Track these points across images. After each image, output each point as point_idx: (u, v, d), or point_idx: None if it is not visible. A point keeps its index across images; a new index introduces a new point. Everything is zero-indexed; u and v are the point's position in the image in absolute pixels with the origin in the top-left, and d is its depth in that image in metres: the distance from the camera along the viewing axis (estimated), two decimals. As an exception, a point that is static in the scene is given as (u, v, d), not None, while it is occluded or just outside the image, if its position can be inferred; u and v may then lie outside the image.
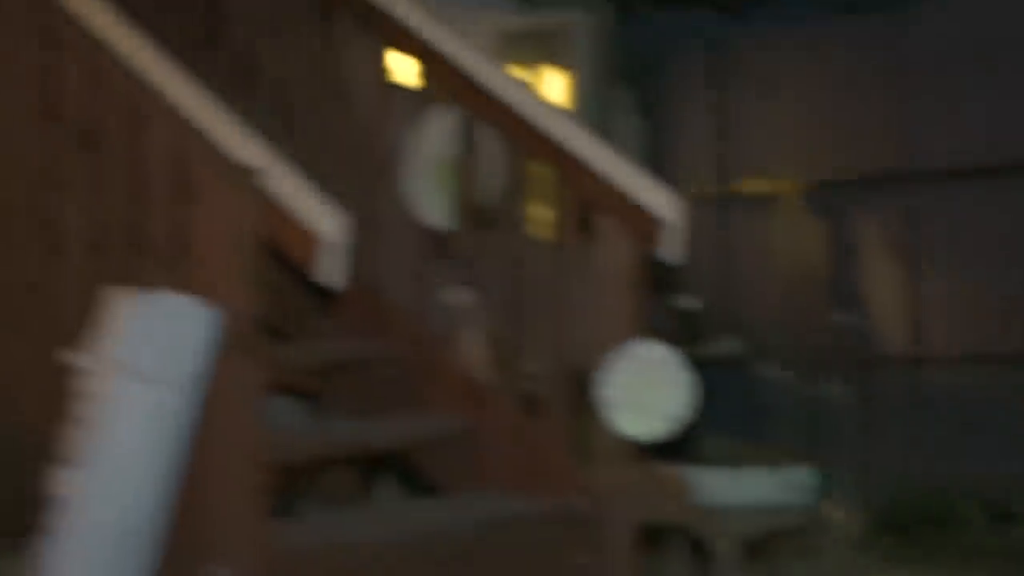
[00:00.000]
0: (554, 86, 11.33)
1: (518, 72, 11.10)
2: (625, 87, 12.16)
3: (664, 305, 11.18)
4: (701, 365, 10.64)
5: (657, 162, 11.77)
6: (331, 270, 4.79)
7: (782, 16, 11.90)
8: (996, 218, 9.87)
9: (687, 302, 11.22)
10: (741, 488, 5.89)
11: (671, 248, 5.50)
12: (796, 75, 11.65)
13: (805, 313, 10.35)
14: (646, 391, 5.40)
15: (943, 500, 9.38)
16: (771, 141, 11.70)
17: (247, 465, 4.74)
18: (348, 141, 6.27)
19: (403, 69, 6.22)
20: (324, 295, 5.75)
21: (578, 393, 5.64)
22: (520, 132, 5.74)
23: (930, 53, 9.80)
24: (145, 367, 4.42)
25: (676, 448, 6.67)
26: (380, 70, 6.26)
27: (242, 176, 4.72)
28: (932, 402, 10.07)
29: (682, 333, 10.75)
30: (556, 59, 11.40)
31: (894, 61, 10.79)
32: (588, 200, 5.61)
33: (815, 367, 8.82)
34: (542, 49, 11.34)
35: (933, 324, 10.22)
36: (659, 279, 10.83)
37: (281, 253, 4.92)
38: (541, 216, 5.90)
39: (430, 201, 5.95)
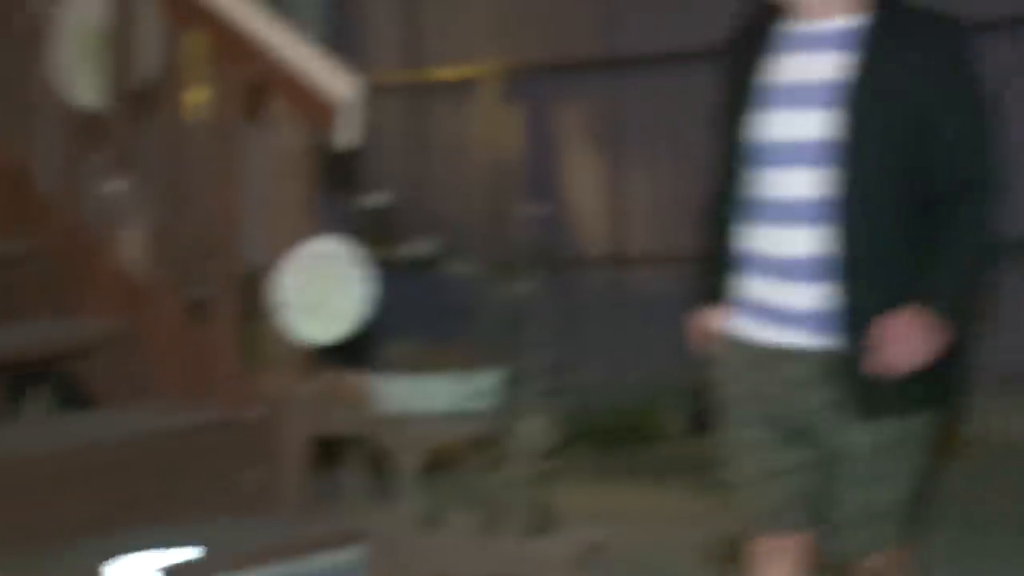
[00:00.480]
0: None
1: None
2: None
3: (352, 202, 11.23)
4: (392, 266, 10.64)
5: (339, 43, 11.77)
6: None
7: None
8: (691, 109, 10.04)
9: (377, 199, 11.30)
10: (426, 395, 5.94)
11: (349, 134, 5.42)
12: None
13: (503, 209, 10.44)
14: (322, 292, 5.39)
15: (642, 408, 9.58)
16: (466, 23, 11.74)
17: None
18: None
19: None
20: None
21: (249, 294, 5.57)
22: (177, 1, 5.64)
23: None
24: None
25: (357, 353, 6.64)
26: None
27: None
28: (633, 303, 10.25)
29: (372, 232, 10.78)
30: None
31: None
32: (257, 80, 5.52)
33: (512, 267, 8.93)
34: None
35: (633, 220, 10.37)
36: (346, 175, 10.80)
37: None
38: (208, 98, 5.77)
39: (81, 79, 5.78)
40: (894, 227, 4.04)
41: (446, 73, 11.77)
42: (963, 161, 4.06)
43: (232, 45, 5.54)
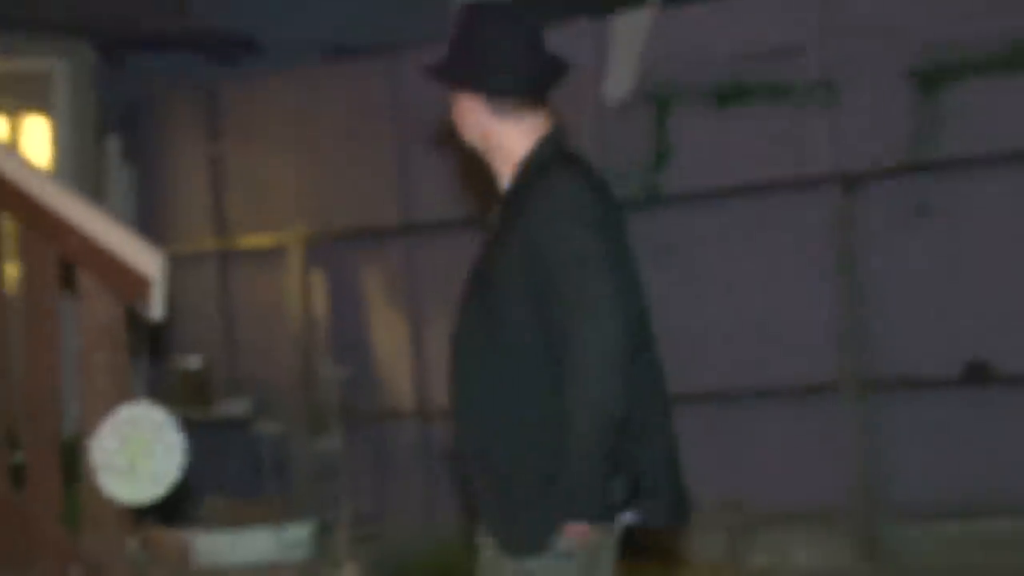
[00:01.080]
0: (37, 134, 11.23)
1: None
2: (114, 135, 12.11)
3: (166, 366, 11.22)
4: (206, 425, 10.66)
5: (149, 215, 11.79)
6: None
7: (273, 59, 12.06)
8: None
9: (190, 362, 11.24)
10: (240, 548, 5.96)
11: (155, 305, 5.50)
12: (293, 121, 11.73)
13: (310, 368, 10.46)
14: (135, 455, 5.40)
15: (452, 553, 9.59)
16: (271, 192, 11.79)
17: None
18: None
19: None
20: None
21: (69, 459, 5.61)
22: None
23: (427, 101, 10.10)
24: None
25: (175, 511, 6.72)
26: None
27: None
28: (439, 453, 10.28)
29: (185, 394, 10.80)
30: (38, 106, 11.34)
31: (390, 107, 11.01)
32: (69, 257, 5.59)
33: (320, 423, 8.96)
34: (21, 93, 11.27)
35: (436, 375, 10.48)
36: (159, 339, 10.80)
37: None
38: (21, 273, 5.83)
39: None
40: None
41: (254, 240, 11.74)
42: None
43: (47, 225, 5.59)
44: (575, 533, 4.00)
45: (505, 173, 4.32)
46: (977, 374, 9.12)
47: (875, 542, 9.22)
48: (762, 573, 9.35)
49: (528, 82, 4.32)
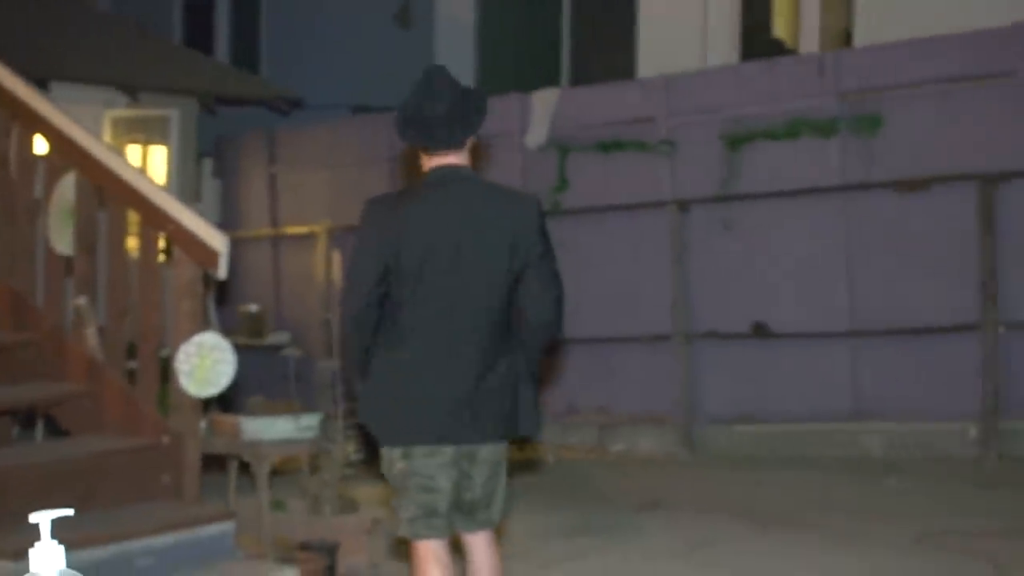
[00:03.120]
0: (158, 159, 11.27)
1: (133, 148, 11.05)
2: (207, 159, 12.19)
3: (235, 310, 11.26)
4: (258, 350, 10.73)
5: (229, 211, 11.84)
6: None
7: (315, 114, 12.11)
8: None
9: (251, 308, 11.26)
10: (271, 429, 5.89)
11: (221, 269, 5.53)
12: (323, 154, 11.67)
13: (326, 315, 10.32)
14: (204, 365, 5.46)
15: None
16: (307, 198, 11.72)
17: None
18: (2, 193, 6.15)
19: (42, 146, 6.11)
20: None
21: (164, 367, 5.68)
22: (119, 188, 5.74)
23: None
24: None
25: (230, 403, 6.84)
26: (26, 145, 6.13)
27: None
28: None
29: (247, 328, 10.88)
30: (159, 139, 11.36)
31: (387, 147, 10.83)
32: (168, 236, 5.65)
33: (329, 350, 8.82)
34: (149, 132, 11.27)
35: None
36: (226, 292, 10.81)
37: None
38: (138, 246, 5.87)
39: (60, 237, 5.92)
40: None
41: (295, 230, 11.70)
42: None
43: (152, 215, 5.66)
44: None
45: None
46: (759, 331, 9.29)
47: (691, 437, 9.31)
48: (619, 455, 9.35)
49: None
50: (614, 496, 7.88)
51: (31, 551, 1.70)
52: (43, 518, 1.73)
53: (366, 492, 6.96)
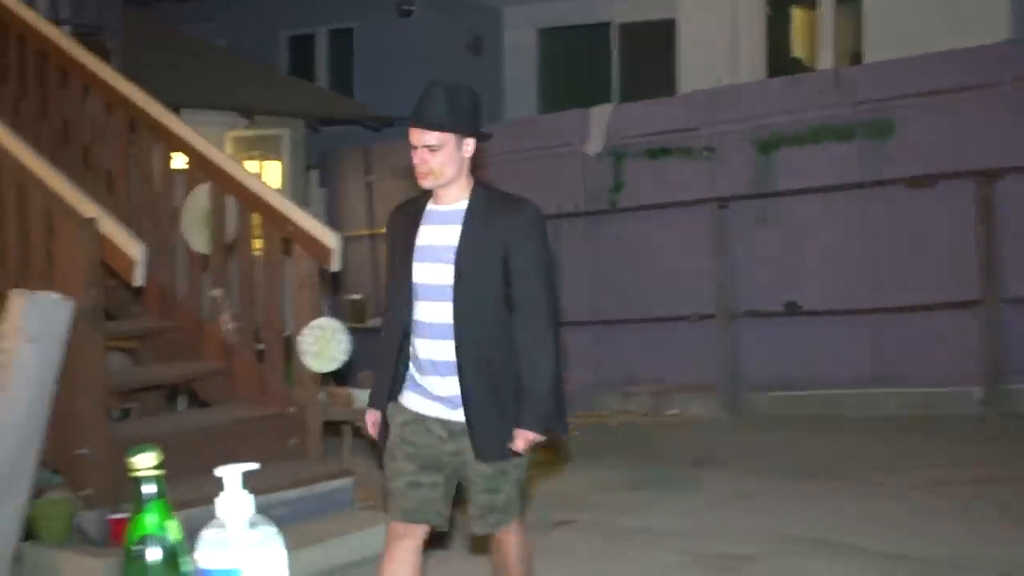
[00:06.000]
0: (272, 172, 11.38)
1: (250, 163, 11.19)
2: (314, 171, 12.28)
3: (341, 298, 11.34)
4: (361, 331, 10.75)
5: (333, 215, 11.92)
6: (139, 276, 4.97)
7: (403, 130, 12.13)
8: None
9: (354, 296, 11.35)
10: None
11: (335, 263, 5.61)
12: (411, 165, 11.63)
13: None
14: (322, 345, 5.51)
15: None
16: (397, 202, 11.60)
17: (95, 390, 4.88)
18: (149, 202, 6.23)
19: (180, 160, 6.22)
20: (136, 292, 5.82)
21: (287, 347, 5.77)
22: (246, 196, 5.81)
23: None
24: (34, 333, 4.48)
25: (344, 377, 6.88)
26: (166, 161, 6.23)
27: (85, 223, 4.86)
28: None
29: (351, 313, 10.94)
30: (273, 155, 11.45)
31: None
32: (288, 236, 5.71)
33: None
34: (264, 148, 11.37)
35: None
36: (337, 283, 10.90)
37: (110, 267, 5.05)
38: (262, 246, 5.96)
39: (197, 237, 5.99)
40: (491, 338, 3.43)
41: (382, 229, 11.62)
42: (527, 285, 3.44)
43: (274, 218, 5.73)
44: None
45: (459, 195, 3.54)
46: (791, 309, 9.27)
47: (735, 403, 9.26)
48: (672, 420, 9.27)
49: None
50: (670, 454, 7.85)
51: (217, 500, 1.71)
52: (230, 471, 1.74)
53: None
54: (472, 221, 3.48)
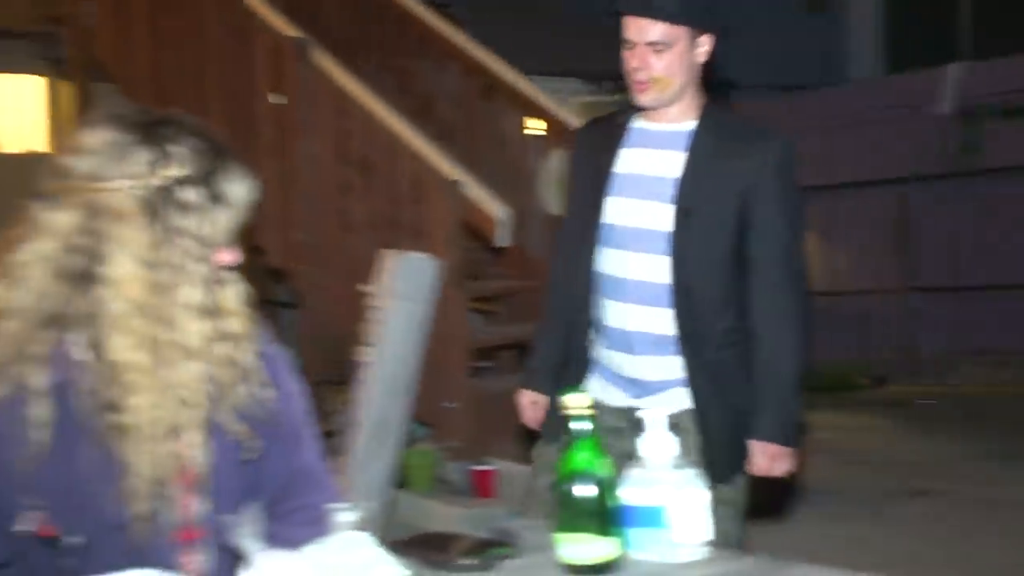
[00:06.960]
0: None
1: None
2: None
3: None
4: None
5: None
6: (501, 238, 4.99)
7: (746, 94, 11.64)
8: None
9: None
10: None
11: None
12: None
13: None
14: None
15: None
16: None
17: (459, 346, 4.95)
18: (505, 166, 6.22)
19: (535, 126, 6.18)
20: (496, 252, 5.81)
21: None
22: None
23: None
24: (404, 292, 4.53)
25: None
26: (520, 127, 6.21)
27: (450, 186, 4.89)
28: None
29: None
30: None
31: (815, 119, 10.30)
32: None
33: None
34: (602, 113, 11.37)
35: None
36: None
37: (473, 229, 5.08)
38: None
39: (552, 199, 5.92)
40: (720, 307, 2.49)
41: None
42: (772, 241, 2.49)
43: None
44: None
45: (684, 114, 2.56)
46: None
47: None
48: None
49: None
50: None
51: (639, 440, 1.82)
52: (655, 413, 1.83)
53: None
54: (701, 148, 2.51)
